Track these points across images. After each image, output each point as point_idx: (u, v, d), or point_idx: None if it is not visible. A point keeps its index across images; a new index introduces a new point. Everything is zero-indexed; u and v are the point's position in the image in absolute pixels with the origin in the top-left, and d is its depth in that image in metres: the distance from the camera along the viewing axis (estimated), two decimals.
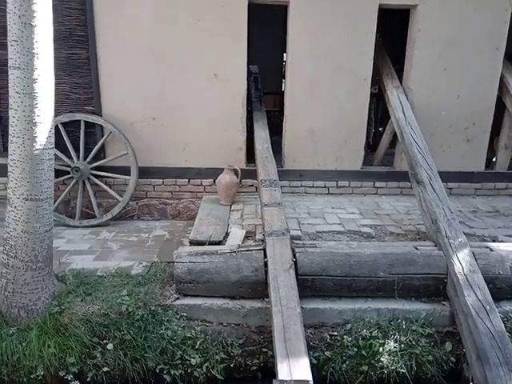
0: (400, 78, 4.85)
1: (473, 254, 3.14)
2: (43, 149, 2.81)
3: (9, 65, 2.66)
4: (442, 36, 4.56)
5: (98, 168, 4.66)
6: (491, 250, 3.26)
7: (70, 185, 4.64)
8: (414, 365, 2.87)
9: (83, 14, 4.40)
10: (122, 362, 2.86)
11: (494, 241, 3.57)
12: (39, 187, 2.84)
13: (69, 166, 4.59)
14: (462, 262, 3.06)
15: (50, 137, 2.86)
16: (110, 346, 2.87)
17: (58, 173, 4.21)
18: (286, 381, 2.25)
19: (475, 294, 2.89)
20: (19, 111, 2.69)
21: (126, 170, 4.61)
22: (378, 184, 4.94)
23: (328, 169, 4.86)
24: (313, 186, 4.92)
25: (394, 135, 4.73)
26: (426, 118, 4.60)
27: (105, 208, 4.81)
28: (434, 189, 3.61)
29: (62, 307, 2.95)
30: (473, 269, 3.03)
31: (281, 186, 4.02)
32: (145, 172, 4.73)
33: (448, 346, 3.01)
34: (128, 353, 2.88)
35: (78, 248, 3.99)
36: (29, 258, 2.88)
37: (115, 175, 4.65)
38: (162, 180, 4.87)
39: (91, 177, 4.66)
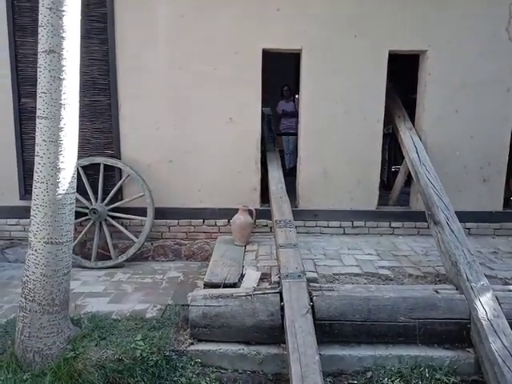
0: (412, 119, 4.93)
1: (496, 297, 3.04)
2: (65, 193, 2.89)
3: (37, 115, 2.80)
4: (452, 79, 4.66)
5: (115, 209, 4.74)
6: None
7: (87, 226, 4.72)
8: None
9: (106, 65, 4.67)
10: None
11: None
12: (60, 231, 2.89)
13: (87, 208, 4.68)
14: (485, 306, 2.96)
15: (72, 182, 2.95)
16: None
17: (76, 214, 4.21)
18: None
19: (501, 341, 2.77)
20: (44, 158, 2.80)
21: (142, 211, 4.69)
22: (394, 224, 4.90)
23: (343, 209, 4.86)
24: (328, 226, 4.90)
25: (409, 175, 4.74)
26: (440, 158, 4.62)
27: (120, 249, 4.84)
28: (452, 230, 3.57)
29: (77, 352, 2.91)
30: (497, 314, 2.92)
31: (295, 226, 4.01)
32: (160, 213, 4.79)
33: None
34: None
35: (93, 290, 3.99)
36: (46, 302, 2.89)
37: (132, 216, 4.73)
38: (177, 221, 4.92)
39: (108, 218, 4.74)
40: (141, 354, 2.92)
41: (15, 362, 2.87)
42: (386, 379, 2.86)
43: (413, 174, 4.38)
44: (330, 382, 2.92)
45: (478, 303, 2.98)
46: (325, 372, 2.89)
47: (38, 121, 2.80)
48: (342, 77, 4.65)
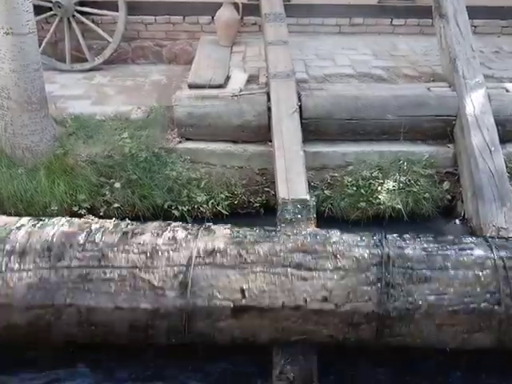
0: None
1: (488, 95, 2.97)
2: None
3: None
4: None
5: (81, 3, 4.16)
6: (507, 90, 3.10)
7: (54, 23, 4.21)
8: (410, 201, 2.98)
9: None
10: (130, 198, 2.96)
11: None
12: (18, 20, 2.60)
13: (50, 2, 4.10)
14: (474, 102, 2.93)
15: None
16: (117, 185, 2.95)
17: (39, 9, 3.80)
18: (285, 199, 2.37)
19: (482, 135, 2.84)
20: None
21: (113, 6, 4.11)
22: (395, 21, 4.43)
23: (341, 3, 4.31)
24: (323, 24, 4.44)
25: None
26: None
27: (96, 51, 4.45)
28: (457, 23, 3.23)
29: (65, 149, 2.97)
30: (484, 110, 2.92)
31: (287, 24, 3.61)
32: (134, 7, 4.22)
33: (446, 185, 3.10)
34: (136, 191, 2.98)
35: (72, 93, 3.83)
36: (22, 99, 2.79)
37: (102, 11, 4.18)
38: (154, 17, 4.38)
39: (76, 14, 4.20)
40: (129, 151, 2.99)
41: (6, 158, 2.93)
42: (366, 171, 3.05)
43: None
44: (312, 174, 3.09)
45: (468, 100, 2.93)
46: (308, 167, 3.03)
47: None
48: None
